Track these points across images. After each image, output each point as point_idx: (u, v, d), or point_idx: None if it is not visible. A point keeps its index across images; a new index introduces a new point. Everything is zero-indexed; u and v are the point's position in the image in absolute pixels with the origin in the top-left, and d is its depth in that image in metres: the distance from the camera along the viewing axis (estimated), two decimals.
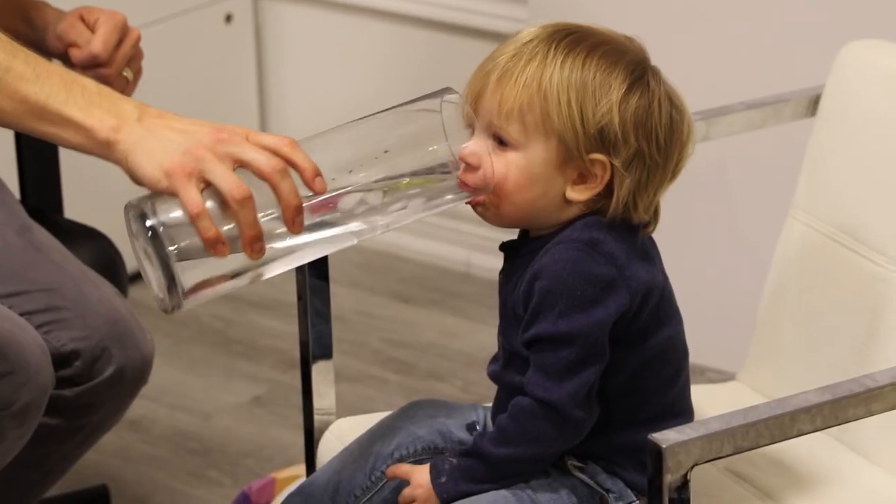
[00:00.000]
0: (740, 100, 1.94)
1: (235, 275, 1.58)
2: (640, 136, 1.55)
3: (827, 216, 1.88)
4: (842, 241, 1.86)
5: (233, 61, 3.05)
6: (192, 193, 1.49)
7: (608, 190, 1.56)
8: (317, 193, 1.54)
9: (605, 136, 1.54)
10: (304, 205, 1.55)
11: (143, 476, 2.48)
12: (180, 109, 2.91)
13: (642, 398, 1.58)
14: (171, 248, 1.53)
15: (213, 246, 1.51)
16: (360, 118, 1.68)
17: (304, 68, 3.10)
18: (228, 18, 2.99)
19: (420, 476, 1.62)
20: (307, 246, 1.60)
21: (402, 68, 2.99)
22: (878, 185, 1.84)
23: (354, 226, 1.62)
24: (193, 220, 1.50)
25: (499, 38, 2.80)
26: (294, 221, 1.52)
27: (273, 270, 1.59)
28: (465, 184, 1.57)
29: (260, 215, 1.53)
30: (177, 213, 1.53)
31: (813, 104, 1.93)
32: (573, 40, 1.56)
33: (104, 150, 1.56)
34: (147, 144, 1.54)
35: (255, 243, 1.51)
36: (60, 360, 1.88)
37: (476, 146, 1.56)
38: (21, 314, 1.87)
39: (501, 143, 1.56)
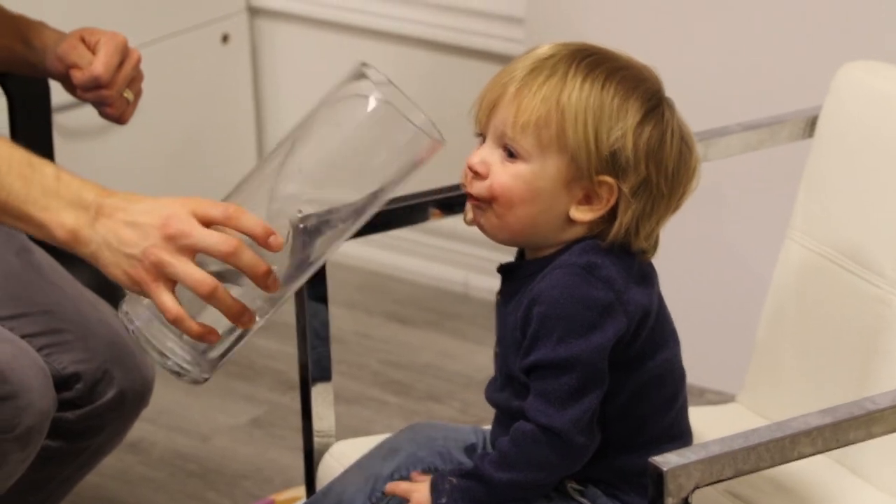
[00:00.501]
0: (737, 121, 1.94)
1: (240, 336, 1.59)
2: (650, 165, 1.55)
3: (824, 238, 1.88)
4: (840, 263, 1.85)
5: (229, 81, 3.07)
6: (165, 298, 1.51)
7: (611, 214, 1.56)
8: (273, 251, 1.53)
9: (617, 160, 1.54)
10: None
11: (142, 498, 2.48)
12: (178, 128, 2.98)
13: (640, 421, 1.58)
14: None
15: (203, 337, 1.52)
16: (293, 138, 1.66)
17: (299, 87, 3.10)
18: (225, 38, 3.00)
19: (420, 495, 1.62)
20: (291, 287, 1.60)
21: (427, 99, 2.99)
22: (876, 207, 1.84)
23: (328, 253, 1.62)
24: (175, 323, 1.51)
25: (495, 58, 2.84)
26: (268, 285, 1.52)
27: (267, 316, 1.60)
28: (471, 194, 1.58)
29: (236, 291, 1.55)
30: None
31: (810, 125, 1.93)
32: (593, 62, 1.57)
33: (67, 247, 1.57)
34: (106, 253, 1.55)
35: (240, 318, 1.52)
36: (62, 382, 1.87)
37: (486, 155, 1.57)
38: (22, 336, 1.86)
39: (511, 154, 1.56)
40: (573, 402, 1.55)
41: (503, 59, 2.74)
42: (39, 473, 1.92)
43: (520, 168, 1.55)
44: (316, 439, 1.83)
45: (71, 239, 1.55)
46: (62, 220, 1.57)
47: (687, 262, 1.64)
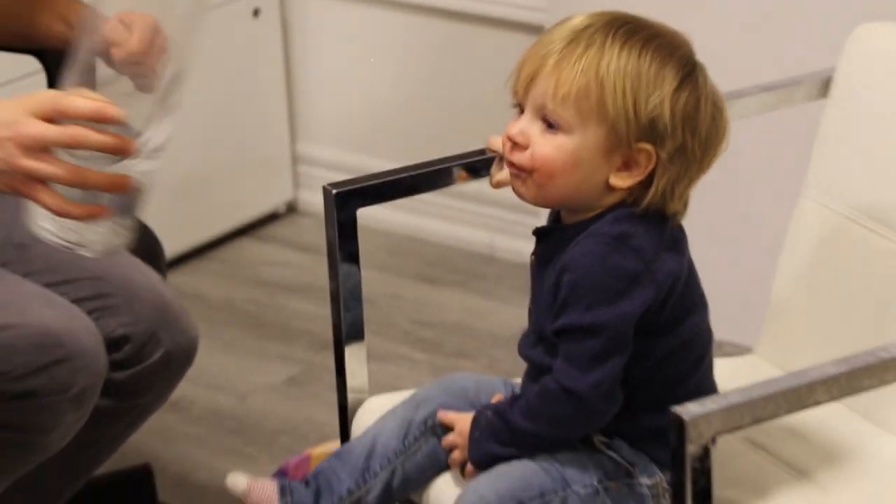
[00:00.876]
0: (753, 83, 1.93)
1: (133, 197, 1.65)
2: (686, 131, 1.56)
3: (838, 195, 1.88)
4: (854, 219, 1.86)
5: (261, 53, 3.06)
6: (44, 198, 1.57)
7: (647, 179, 1.56)
8: (115, 123, 1.56)
9: (655, 127, 1.54)
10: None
11: (184, 455, 2.49)
12: (213, 98, 2.99)
13: (668, 383, 1.60)
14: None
15: (93, 214, 1.58)
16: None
17: (329, 59, 3.09)
18: (256, 13, 2.99)
19: (463, 425, 1.65)
20: (153, 133, 1.65)
21: (424, 57, 2.99)
22: (890, 164, 1.84)
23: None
24: (62, 214, 1.58)
25: (520, 27, 2.82)
26: (126, 150, 1.58)
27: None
28: (513, 164, 1.58)
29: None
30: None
31: (825, 86, 1.92)
32: (629, 30, 1.56)
33: None
34: None
35: (117, 187, 1.58)
36: (111, 344, 1.89)
37: (525, 126, 1.57)
38: (73, 301, 1.88)
39: (550, 125, 1.56)
40: (597, 366, 1.56)
41: (528, 28, 2.75)
42: (91, 432, 1.93)
43: (560, 139, 1.55)
44: (350, 395, 1.83)
45: None
46: None
47: (705, 219, 1.64)
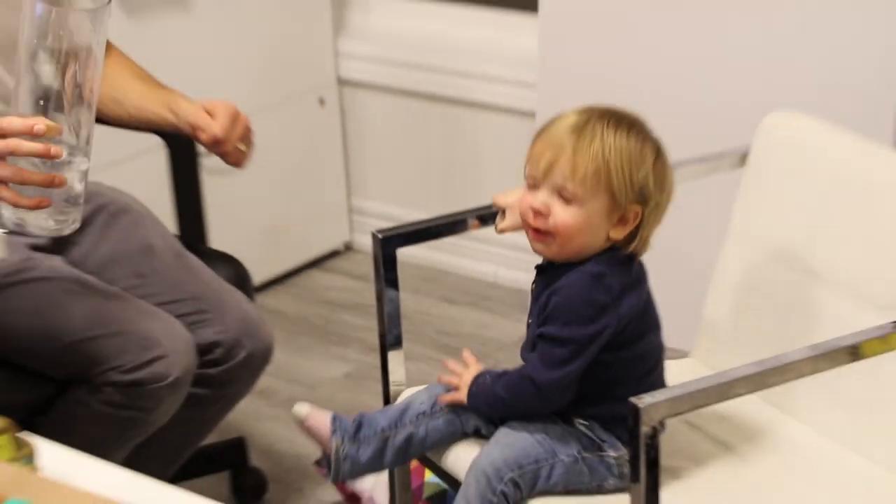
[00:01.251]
0: (691, 155, 1.90)
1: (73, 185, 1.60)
2: (660, 191, 1.55)
3: (754, 239, 1.87)
4: (765, 257, 1.85)
5: (325, 131, 3.01)
6: (2, 195, 1.56)
7: (636, 230, 1.56)
8: (44, 134, 1.53)
9: (643, 192, 1.54)
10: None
11: (269, 431, 2.48)
12: (289, 166, 2.94)
13: (629, 382, 1.57)
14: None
15: (39, 204, 1.56)
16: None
17: (373, 135, 3.06)
18: (322, 101, 2.96)
19: (468, 376, 1.65)
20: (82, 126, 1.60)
21: (444, 133, 2.96)
22: (792, 217, 1.83)
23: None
24: (15, 205, 1.56)
25: (513, 112, 2.74)
26: (51, 156, 1.54)
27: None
28: (537, 229, 1.56)
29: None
30: None
31: (743, 158, 1.90)
32: (616, 120, 1.55)
33: None
34: None
35: (51, 183, 1.55)
36: (206, 348, 1.88)
37: (545, 199, 1.54)
38: (177, 316, 1.87)
39: (566, 199, 1.54)
40: (559, 368, 1.55)
41: (521, 112, 2.71)
42: (194, 414, 1.93)
43: (574, 209, 1.53)
44: (391, 387, 1.83)
45: None
46: None
47: (658, 256, 1.63)
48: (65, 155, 1.57)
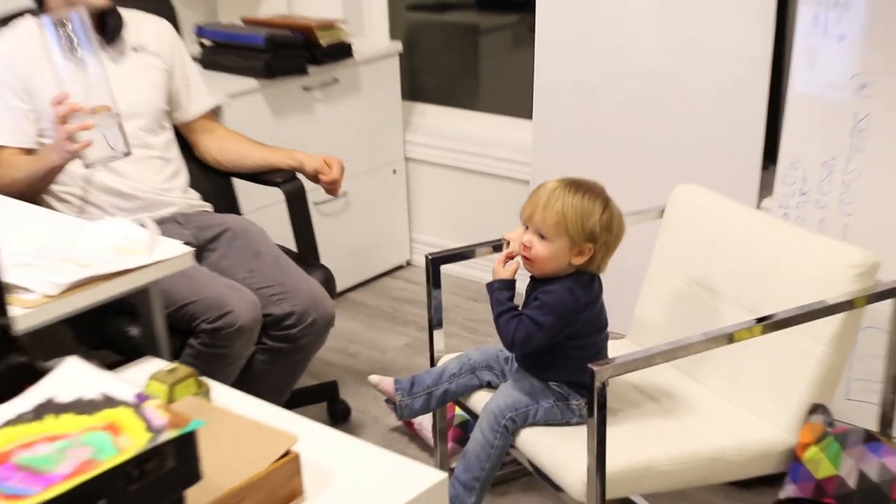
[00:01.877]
0: (630, 209, 1.85)
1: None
2: (607, 234, 1.53)
3: (671, 263, 1.85)
4: (681, 280, 1.82)
5: (396, 190, 2.96)
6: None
7: (589, 259, 1.54)
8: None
9: (593, 236, 1.52)
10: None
11: (355, 379, 2.42)
12: (367, 216, 2.88)
13: (585, 358, 1.50)
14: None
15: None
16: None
17: (426, 194, 3.00)
18: (395, 171, 2.92)
19: (505, 273, 1.55)
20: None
21: (467, 194, 2.91)
22: (697, 256, 1.80)
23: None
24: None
25: (514, 180, 2.72)
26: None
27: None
28: (525, 257, 1.53)
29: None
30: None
31: (661, 212, 1.89)
32: (575, 187, 1.53)
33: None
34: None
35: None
36: (284, 316, 1.82)
37: (530, 237, 1.54)
38: (268, 295, 1.82)
39: (542, 237, 1.53)
40: (531, 336, 1.53)
41: (519, 181, 2.69)
42: (284, 360, 1.87)
43: (547, 244, 1.53)
44: (435, 353, 1.82)
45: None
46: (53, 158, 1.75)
47: (609, 273, 1.63)
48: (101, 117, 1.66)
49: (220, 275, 1.84)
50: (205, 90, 2.09)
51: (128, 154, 1.69)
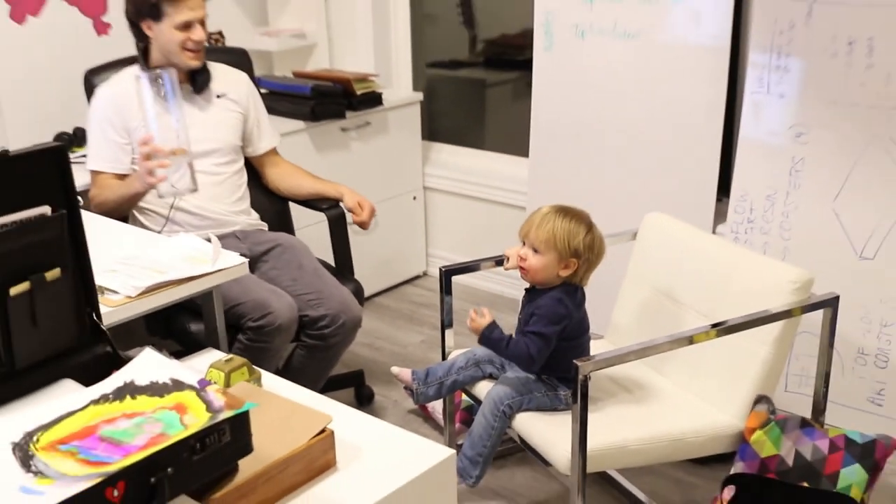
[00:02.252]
0: (608, 231, 1.84)
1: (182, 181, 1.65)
2: (589, 252, 1.51)
3: (642, 278, 1.83)
4: (648, 287, 1.81)
5: (415, 215, 2.94)
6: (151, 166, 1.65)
7: (574, 273, 1.53)
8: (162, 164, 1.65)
9: (577, 252, 1.51)
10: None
11: (379, 369, 2.41)
12: (391, 236, 2.85)
13: (570, 356, 1.50)
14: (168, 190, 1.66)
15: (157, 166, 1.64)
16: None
17: (441, 217, 2.98)
18: (415, 198, 2.91)
19: (486, 321, 1.53)
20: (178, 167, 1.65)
21: (476, 217, 2.88)
22: (660, 267, 1.79)
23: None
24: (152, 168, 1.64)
25: (511, 206, 2.70)
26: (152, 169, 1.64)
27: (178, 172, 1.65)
28: (522, 268, 1.52)
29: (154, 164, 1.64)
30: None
31: (635, 235, 1.88)
32: (564, 212, 1.52)
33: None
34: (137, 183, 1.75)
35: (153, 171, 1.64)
36: (319, 318, 1.80)
37: (526, 251, 1.53)
38: (306, 301, 1.80)
39: (535, 251, 1.52)
40: (538, 347, 1.52)
41: (516, 207, 2.67)
42: (319, 355, 1.83)
43: (540, 257, 1.52)
44: (446, 349, 1.80)
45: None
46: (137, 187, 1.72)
47: (593, 283, 1.61)
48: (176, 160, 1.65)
49: (266, 282, 1.83)
50: (272, 131, 2.11)
51: (194, 191, 1.71)
